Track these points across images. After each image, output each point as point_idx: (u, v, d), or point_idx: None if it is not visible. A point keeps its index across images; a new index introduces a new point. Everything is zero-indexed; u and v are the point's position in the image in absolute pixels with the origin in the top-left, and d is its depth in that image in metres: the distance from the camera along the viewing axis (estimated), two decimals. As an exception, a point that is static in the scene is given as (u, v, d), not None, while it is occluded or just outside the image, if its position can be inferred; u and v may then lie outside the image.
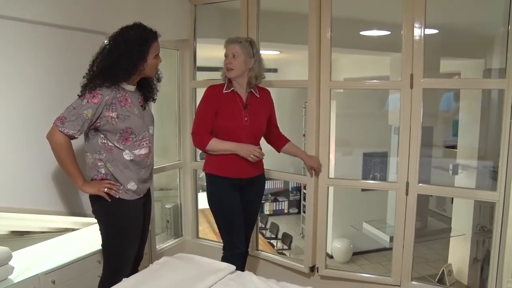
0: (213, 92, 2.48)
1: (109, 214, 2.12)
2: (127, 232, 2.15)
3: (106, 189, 2.04)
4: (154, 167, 2.34)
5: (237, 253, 2.53)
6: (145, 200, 2.28)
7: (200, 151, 2.72)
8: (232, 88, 2.47)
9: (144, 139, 2.14)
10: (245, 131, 2.45)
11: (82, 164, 2.11)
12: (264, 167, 2.67)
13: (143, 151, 2.13)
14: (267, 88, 2.66)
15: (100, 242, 2.20)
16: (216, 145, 2.42)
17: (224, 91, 2.46)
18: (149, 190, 2.34)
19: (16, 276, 2.10)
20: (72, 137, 1.97)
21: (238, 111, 2.45)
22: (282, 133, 2.75)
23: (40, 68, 2.26)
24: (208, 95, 2.49)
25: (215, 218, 2.60)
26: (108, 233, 2.15)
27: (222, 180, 2.50)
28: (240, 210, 2.53)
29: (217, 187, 2.54)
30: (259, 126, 2.54)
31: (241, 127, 2.44)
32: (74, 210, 2.48)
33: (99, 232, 2.18)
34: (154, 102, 2.34)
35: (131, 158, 2.09)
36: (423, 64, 2.52)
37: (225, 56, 2.44)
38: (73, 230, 2.76)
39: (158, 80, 2.28)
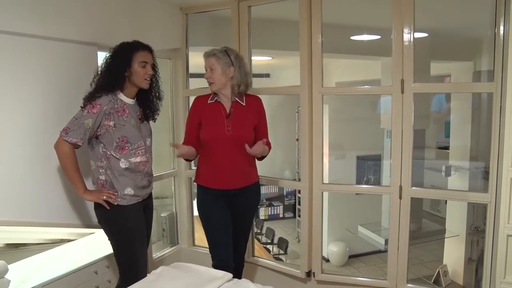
0: (198, 103, 2.54)
1: (110, 221, 2.23)
2: (131, 236, 2.23)
3: (104, 197, 2.15)
4: (149, 175, 2.37)
5: (220, 266, 2.35)
6: (145, 205, 2.34)
7: (193, 160, 2.74)
8: (216, 98, 2.49)
9: (140, 148, 2.24)
10: (228, 140, 2.42)
11: (86, 173, 2.22)
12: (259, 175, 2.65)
13: (138, 159, 2.23)
14: (259, 96, 2.62)
15: (97, 252, 2.28)
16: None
17: (208, 101, 2.50)
18: (150, 196, 2.41)
19: (13, 290, 2.09)
20: (76, 146, 2.10)
21: (220, 121, 2.45)
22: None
23: (44, 80, 2.28)
24: (193, 107, 2.56)
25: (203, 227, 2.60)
26: (114, 240, 2.25)
27: (208, 191, 2.51)
28: (224, 222, 2.50)
29: (202, 198, 2.56)
30: (244, 135, 2.45)
31: (223, 137, 2.42)
32: (85, 222, 2.53)
33: (108, 241, 2.27)
34: (154, 121, 2.41)
35: (127, 166, 2.19)
36: (414, 69, 2.54)
37: (205, 70, 2.46)
38: (69, 241, 2.74)
39: (159, 98, 2.35)
